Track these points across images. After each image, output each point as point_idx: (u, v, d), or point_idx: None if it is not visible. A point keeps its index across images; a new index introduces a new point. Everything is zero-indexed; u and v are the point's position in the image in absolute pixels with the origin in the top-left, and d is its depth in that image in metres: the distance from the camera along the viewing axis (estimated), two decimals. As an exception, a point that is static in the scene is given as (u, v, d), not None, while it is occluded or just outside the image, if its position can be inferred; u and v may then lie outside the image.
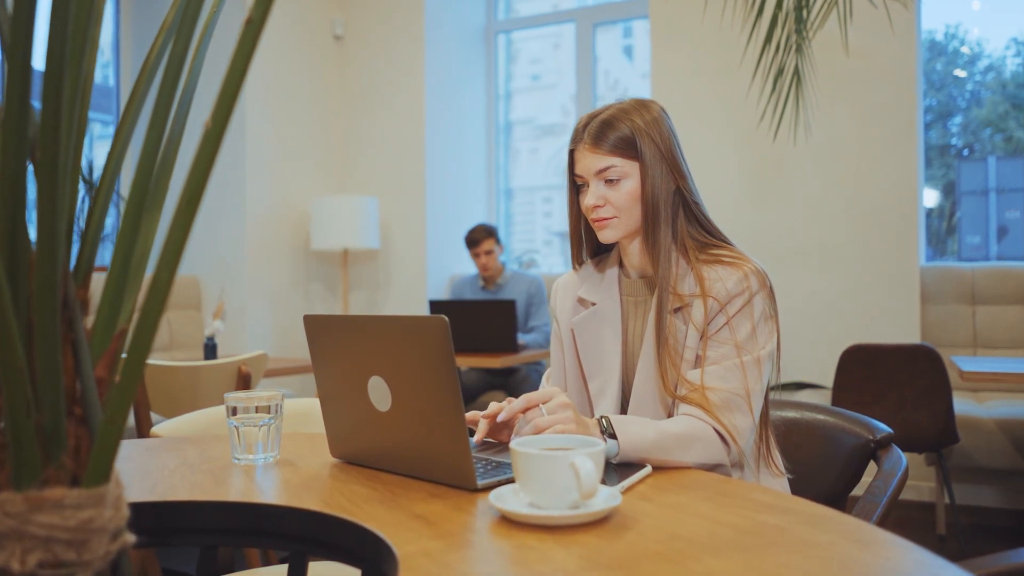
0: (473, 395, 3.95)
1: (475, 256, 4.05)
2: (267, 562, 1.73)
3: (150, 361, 2.46)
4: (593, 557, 0.71)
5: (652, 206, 1.23)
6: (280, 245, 4.50)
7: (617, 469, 1.05)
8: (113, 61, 4.55)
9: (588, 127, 1.26)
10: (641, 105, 1.27)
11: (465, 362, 3.42)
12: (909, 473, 3.78)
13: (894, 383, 2.77)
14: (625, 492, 0.94)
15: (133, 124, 0.61)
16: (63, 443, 0.51)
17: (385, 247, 4.73)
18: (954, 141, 4.38)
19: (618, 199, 1.24)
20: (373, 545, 0.78)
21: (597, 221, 1.26)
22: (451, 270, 4.82)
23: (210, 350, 3.25)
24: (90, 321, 0.55)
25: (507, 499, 0.85)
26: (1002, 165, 4.24)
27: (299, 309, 4.57)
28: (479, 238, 4.02)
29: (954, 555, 2.82)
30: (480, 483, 0.95)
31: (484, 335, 3.52)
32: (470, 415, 1.20)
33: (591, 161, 1.24)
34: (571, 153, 1.29)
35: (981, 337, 3.63)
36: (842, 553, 0.71)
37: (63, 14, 0.47)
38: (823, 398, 3.49)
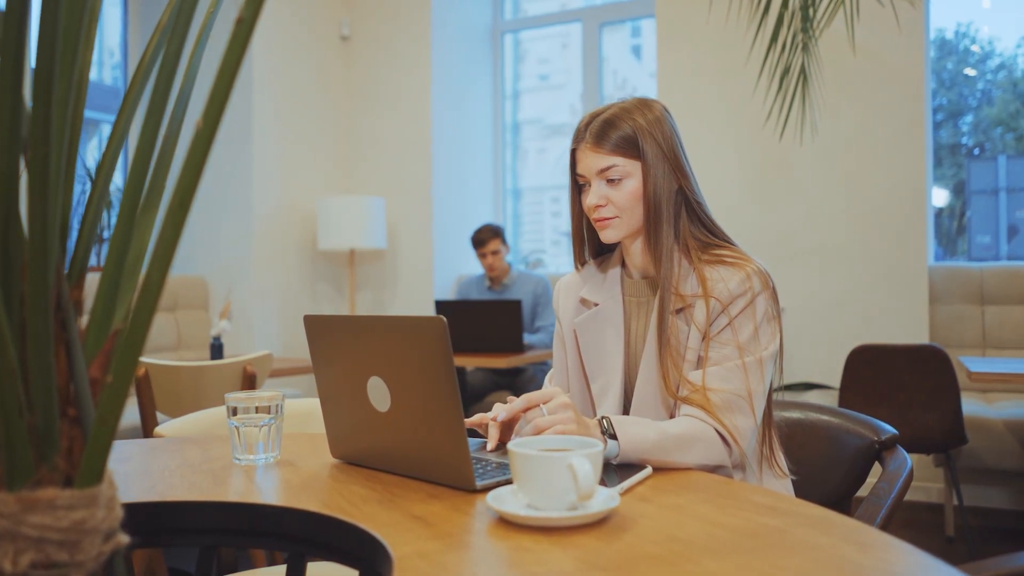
0: (479, 395, 3.95)
1: (481, 256, 4.06)
2: (272, 562, 1.73)
3: (155, 361, 2.47)
4: (590, 559, 0.71)
5: (654, 206, 1.23)
6: (287, 245, 4.51)
7: (617, 470, 1.05)
8: (122, 63, 4.57)
9: (590, 126, 1.25)
10: (643, 104, 1.26)
11: (471, 362, 3.42)
12: (917, 474, 3.74)
13: (902, 384, 2.75)
14: (624, 493, 0.93)
15: (128, 124, 0.61)
16: (56, 444, 0.51)
17: (392, 247, 4.74)
18: (964, 140, 4.35)
19: (620, 199, 1.23)
20: (370, 546, 0.78)
21: (599, 221, 1.25)
22: (458, 270, 4.82)
23: (216, 350, 3.26)
24: (85, 321, 0.55)
25: (505, 500, 0.84)
26: (1013, 164, 4.21)
27: (306, 309, 4.58)
28: (485, 238, 4.02)
29: (962, 557, 2.80)
30: (479, 484, 0.95)
31: (490, 335, 3.52)
32: (477, 418, 1.20)
33: (593, 160, 1.24)
34: (573, 152, 1.28)
35: (990, 337, 3.61)
36: (842, 556, 0.70)
37: (53, 11, 0.47)
38: (830, 399, 3.47)
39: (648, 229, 1.24)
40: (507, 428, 1.17)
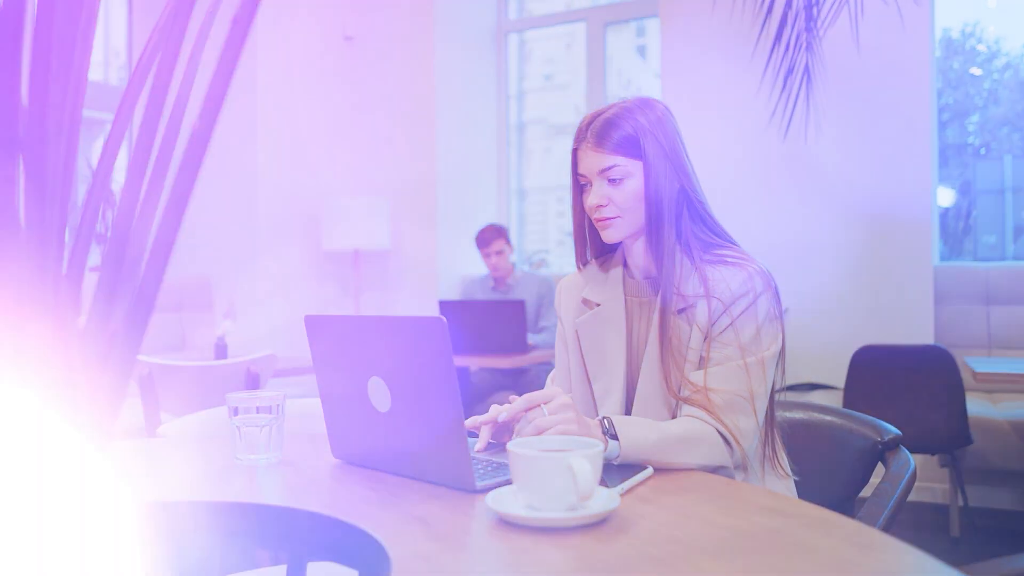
0: (483, 395, 3.94)
1: (485, 256, 4.06)
2: (277, 562, 1.73)
3: (160, 361, 2.48)
4: (588, 560, 0.71)
5: (655, 206, 1.22)
6: (291, 245, 4.52)
7: (618, 470, 1.04)
8: (128, 63, 4.58)
9: (591, 126, 1.25)
10: (645, 104, 1.26)
11: (475, 362, 3.42)
12: (922, 475, 3.71)
13: (906, 384, 2.74)
14: (625, 494, 0.93)
15: (125, 124, 0.61)
16: (53, 443, 0.51)
17: (396, 247, 4.74)
18: (971, 140, 4.33)
19: (621, 199, 1.23)
20: (369, 546, 0.78)
21: (600, 221, 1.25)
22: (462, 270, 4.82)
23: (220, 350, 3.27)
24: (82, 321, 0.55)
25: (504, 501, 0.84)
26: (1019, 164, 4.19)
27: (310, 309, 4.59)
28: (489, 238, 4.02)
29: (967, 558, 2.79)
30: (479, 484, 0.94)
31: (494, 336, 3.52)
32: (469, 421, 1.19)
33: (594, 160, 1.24)
34: (574, 152, 1.28)
35: (995, 338, 3.59)
36: (842, 557, 0.70)
37: (49, 9, 0.47)
38: (835, 399, 3.46)
39: (650, 229, 1.24)
40: (507, 428, 1.17)
